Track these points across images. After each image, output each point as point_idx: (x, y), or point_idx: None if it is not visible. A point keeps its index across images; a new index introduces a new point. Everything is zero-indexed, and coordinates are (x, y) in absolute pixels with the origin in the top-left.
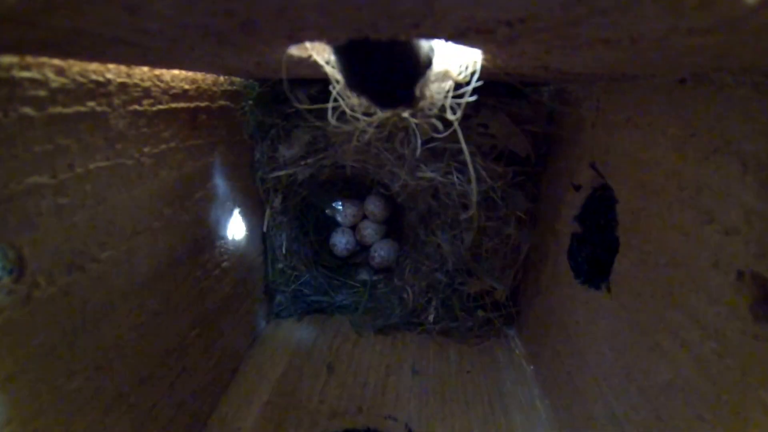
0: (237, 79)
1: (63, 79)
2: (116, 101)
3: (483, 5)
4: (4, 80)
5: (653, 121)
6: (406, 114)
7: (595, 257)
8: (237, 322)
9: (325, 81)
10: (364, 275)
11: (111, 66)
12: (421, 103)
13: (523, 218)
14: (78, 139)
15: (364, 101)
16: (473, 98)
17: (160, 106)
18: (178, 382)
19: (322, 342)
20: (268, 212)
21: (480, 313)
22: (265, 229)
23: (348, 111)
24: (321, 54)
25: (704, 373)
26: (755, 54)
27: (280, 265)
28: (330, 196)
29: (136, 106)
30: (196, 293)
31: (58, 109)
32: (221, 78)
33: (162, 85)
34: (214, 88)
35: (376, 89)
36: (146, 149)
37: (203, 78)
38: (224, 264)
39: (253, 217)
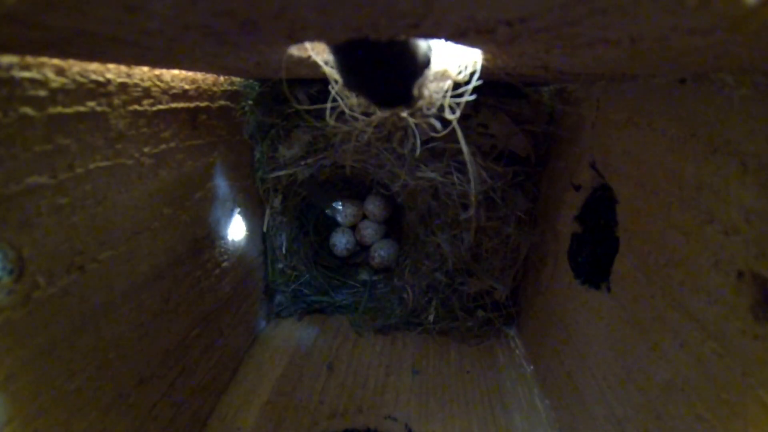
0: (237, 79)
1: (63, 79)
2: (116, 101)
3: (483, 5)
4: (4, 80)
5: (653, 121)
6: (404, 114)
7: (595, 257)
8: (237, 322)
9: (324, 81)
10: (364, 275)
11: (111, 66)
12: (420, 103)
13: (523, 218)
14: (78, 139)
15: (363, 101)
16: (472, 97)
17: (160, 106)
18: (178, 382)
19: (322, 342)
20: (268, 212)
21: (480, 313)
22: (265, 229)
23: (347, 111)
24: (320, 54)
25: (704, 373)
26: (755, 54)
27: (280, 265)
28: (330, 196)
29: (136, 106)
30: (196, 293)
31: (58, 109)
32: (221, 78)
33: (162, 85)
34: (214, 88)
35: (374, 89)
36: (146, 149)
37: (203, 78)
38: (224, 264)
39: (253, 217)
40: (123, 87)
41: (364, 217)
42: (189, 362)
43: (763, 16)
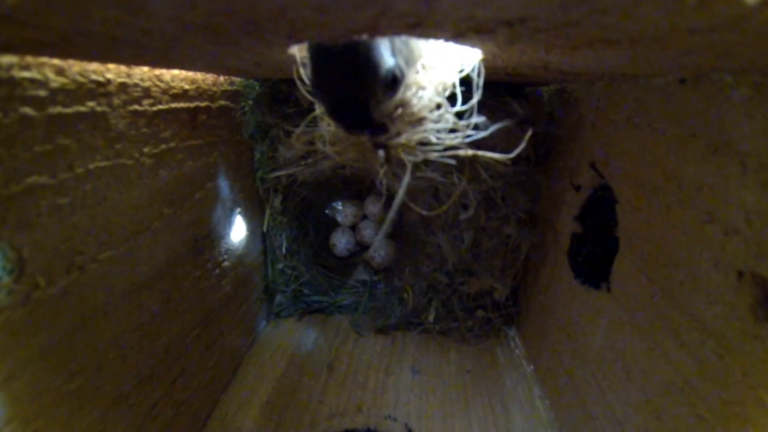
0: (237, 79)
1: (63, 79)
2: (116, 101)
3: (483, 5)
4: (4, 80)
5: (653, 121)
6: (380, 153)
7: (595, 257)
8: (237, 322)
9: None
10: (364, 275)
11: (111, 66)
12: (395, 140)
13: (523, 218)
14: (78, 139)
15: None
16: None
17: (160, 106)
18: (178, 382)
19: (322, 342)
20: (268, 212)
21: (480, 313)
22: (265, 229)
23: (318, 141)
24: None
25: (704, 373)
26: (755, 54)
27: (280, 265)
28: (330, 196)
29: (136, 106)
30: (196, 293)
31: (58, 109)
32: (221, 78)
33: (162, 85)
34: (214, 88)
35: (330, 95)
36: (146, 149)
37: (203, 78)
38: (224, 264)
39: (253, 217)
40: (123, 87)
41: (364, 217)
42: (189, 362)
43: (763, 16)
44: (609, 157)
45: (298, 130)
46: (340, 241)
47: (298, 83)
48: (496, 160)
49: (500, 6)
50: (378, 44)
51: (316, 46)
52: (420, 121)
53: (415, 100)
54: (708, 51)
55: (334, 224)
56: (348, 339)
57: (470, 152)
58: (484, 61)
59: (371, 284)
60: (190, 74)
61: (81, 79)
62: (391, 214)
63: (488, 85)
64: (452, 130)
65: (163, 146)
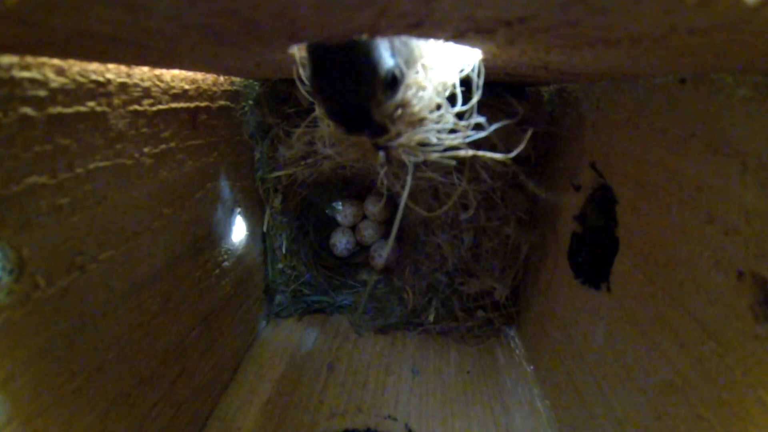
0: (237, 79)
1: (63, 79)
2: (116, 101)
3: (483, 5)
4: (4, 80)
5: (653, 121)
6: (381, 155)
7: (595, 257)
8: (237, 322)
9: None
10: (364, 275)
11: (111, 66)
12: (396, 140)
13: (523, 218)
14: (78, 139)
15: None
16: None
17: (160, 106)
18: (178, 382)
19: (322, 342)
20: (268, 212)
21: (480, 313)
22: (265, 229)
23: (318, 140)
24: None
25: (704, 373)
26: (755, 54)
27: (280, 265)
28: (330, 196)
29: (136, 106)
30: (196, 293)
31: (58, 109)
32: (221, 78)
33: (162, 85)
34: (214, 88)
35: (328, 94)
36: (146, 149)
37: (203, 78)
38: (224, 264)
39: (253, 217)
40: (123, 87)
41: (364, 217)
42: (189, 362)
43: (763, 16)
44: (609, 157)
45: (299, 131)
46: (340, 241)
47: (298, 84)
48: (496, 160)
49: (500, 6)
50: (377, 44)
51: (314, 46)
52: (420, 121)
53: (415, 101)
54: (708, 51)
55: (334, 224)
56: (348, 339)
57: (470, 152)
58: (484, 61)
59: (371, 284)
60: (190, 74)
61: (81, 79)
62: (398, 218)
63: (488, 85)
64: (452, 131)
65: (163, 146)
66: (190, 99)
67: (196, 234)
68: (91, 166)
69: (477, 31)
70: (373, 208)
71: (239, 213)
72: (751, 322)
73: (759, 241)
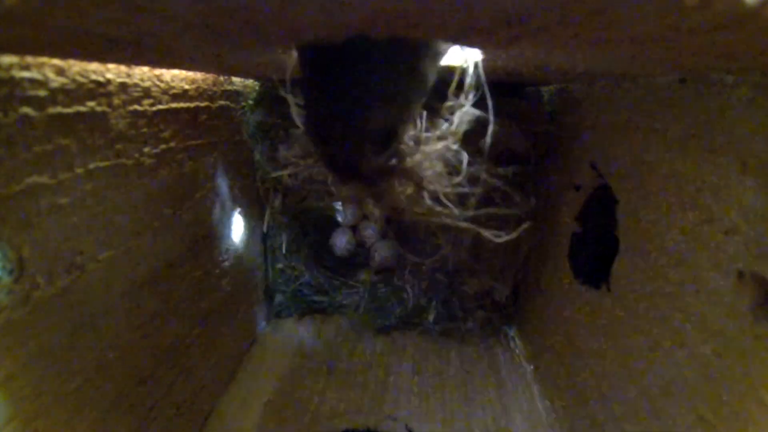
0: (237, 79)
1: (63, 79)
2: (116, 101)
3: (483, 5)
4: (4, 80)
5: (653, 121)
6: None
7: (595, 257)
8: (237, 322)
9: None
10: (363, 275)
11: (111, 66)
12: (391, 191)
13: (523, 218)
14: (78, 139)
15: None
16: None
17: (160, 106)
18: (178, 382)
19: (322, 342)
20: (268, 212)
21: (480, 313)
22: (265, 229)
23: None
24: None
25: (704, 373)
26: (755, 54)
27: (280, 265)
28: (330, 195)
29: (136, 106)
30: (196, 293)
31: (58, 109)
32: (221, 78)
33: (162, 85)
34: (214, 88)
35: (322, 150)
36: (146, 149)
37: (203, 78)
38: (224, 264)
39: (253, 217)
40: (123, 87)
41: (365, 217)
42: (189, 362)
43: (763, 16)
44: (609, 157)
45: (299, 131)
46: (341, 241)
47: (294, 115)
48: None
49: (500, 6)
50: (368, 99)
51: (313, 100)
52: (416, 169)
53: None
54: (708, 51)
55: (334, 224)
56: (348, 339)
57: (464, 225)
58: (484, 61)
59: (371, 284)
60: (190, 74)
61: (81, 79)
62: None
63: (488, 85)
64: (451, 172)
65: (163, 146)
66: (190, 99)
67: (196, 234)
68: (91, 166)
69: (477, 31)
70: (373, 208)
71: (239, 213)
72: (751, 322)
73: (759, 241)
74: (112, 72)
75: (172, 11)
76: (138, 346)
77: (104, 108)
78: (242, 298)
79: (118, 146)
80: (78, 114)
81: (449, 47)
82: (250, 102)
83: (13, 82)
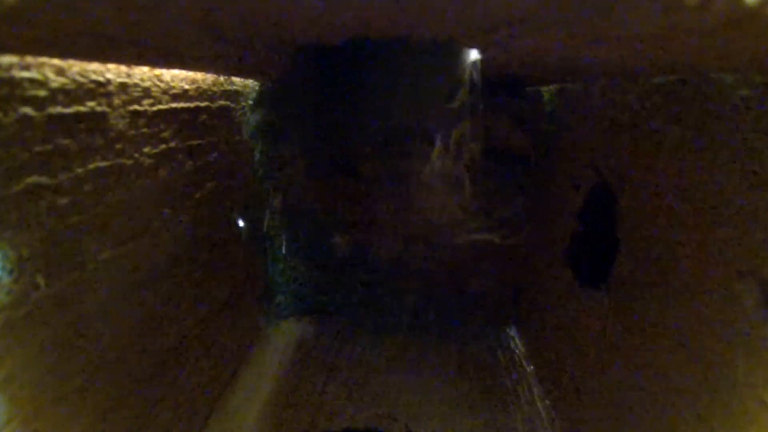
0: (237, 79)
1: (63, 79)
2: (116, 101)
3: (483, 5)
4: (4, 80)
5: (653, 121)
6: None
7: (595, 257)
8: (237, 322)
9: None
10: (363, 275)
11: (111, 66)
12: None
13: (523, 218)
14: (78, 139)
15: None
16: None
17: (160, 106)
18: (178, 382)
19: (322, 342)
20: (268, 212)
21: (480, 313)
22: (265, 229)
23: None
24: None
25: (704, 374)
26: (755, 54)
27: (280, 265)
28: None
29: (136, 106)
30: (196, 293)
31: (58, 109)
32: (221, 78)
33: (162, 85)
34: (214, 88)
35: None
36: (146, 149)
37: (203, 78)
38: (224, 264)
39: (253, 217)
40: (123, 87)
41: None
42: (189, 362)
43: (763, 16)
44: (609, 157)
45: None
46: (341, 241)
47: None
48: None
49: (500, 6)
50: (369, 99)
51: (313, 100)
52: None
53: None
54: (708, 51)
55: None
56: (348, 339)
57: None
58: (484, 61)
59: (372, 284)
60: (190, 74)
61: (81, 79)
62: None
63: (488, 85)
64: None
65: (163, 146)
66: (190, 99)
67: (196, 234)
68: (91, 166)
69: (477, 31)
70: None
71: (239, 213)
72: (752, 322)
73: (759, 241)
74: (112, 72)
75: (171, 12)
76: (138, 345)
77: (104, 108)
78: (242, 298)
79: (118, 146)
80: (78, 114)
81: (460, 49)
82: (250, 102)
83: (13, 82)
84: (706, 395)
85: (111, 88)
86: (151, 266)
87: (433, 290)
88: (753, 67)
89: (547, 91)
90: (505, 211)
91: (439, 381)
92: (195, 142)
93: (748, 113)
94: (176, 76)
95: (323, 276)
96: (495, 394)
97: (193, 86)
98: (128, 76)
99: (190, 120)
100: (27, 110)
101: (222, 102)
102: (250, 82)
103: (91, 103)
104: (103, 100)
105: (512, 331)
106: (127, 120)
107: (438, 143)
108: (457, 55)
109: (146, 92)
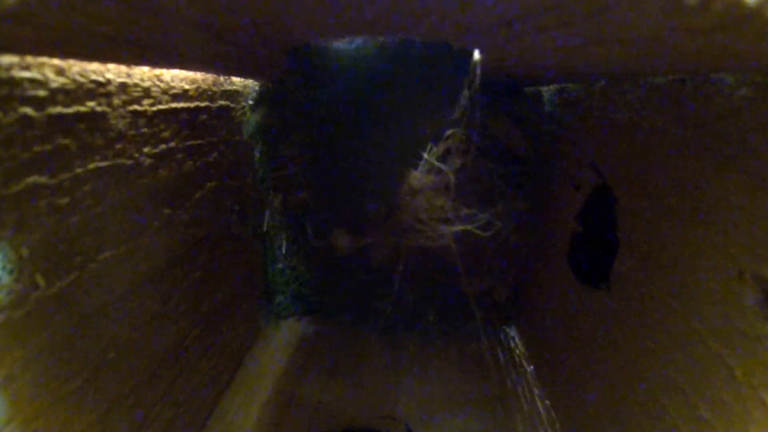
0: (237, 79)
1: (63, 79)
2: (116, 101)
3: (483, 5)
4: (4, 80)
5: (653, 121)
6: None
7: (595, 257)
8: (237, 322)
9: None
10: (363, 275)
11: (111, 66)
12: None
13: (523, 218)
14: (78, 139)
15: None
16: None
17: (160, 106)
18: (178, 382)
19: (322, 342)
20: (268, 212)
21: (480, 313)
22: (265, 229)
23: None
24: None
25: (704, 373)
26: (755, 54)
27: (280, 265)
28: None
29: (136, 106)
30: (196, 293)
31: (58, 109)
32: (221, 78)
33: (162, 85)
34: (214, 88)
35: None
36: (146, 149)
37: (203, 78)
38: (224, 264)
39: (253, 217)
40: (123, 87)
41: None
42: (189, 362)
43: (763, 16)
44: (609, 157)
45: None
46: (341, 242)
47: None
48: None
49: (500, 6)
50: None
51: (312, 100)
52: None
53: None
54: (708, 51)
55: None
56: (348, 339)
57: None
58: (484, 61)
59: (372, 285)
60: (190, 74)
61: (81, 79)
62: None
63: (488, 85)
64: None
65: (163, 146)
66: (190, 99)
67: (196, 234)
68: (91, 166)
69: (477, 31)
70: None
71: (239, 213)
72: (752, 322)
73: (759, 241)
74: (112, 72)
75: (171, 12)
76: (138, 346)
77: (104, 108)
78: (242, 298)
79: (118, 146)
80: (78, 114)
81: (466, 50)
82: (250, 102)
83: (13, 82)
84: (706, 395)
85: (111, 88)
86: (151, 266)
87: (433, 290)
88: (753, 67)
89: (547, 91)
90: (505, 210)
91: (440, 381)
92: (195, 142)
93: (748, 113)
94: (176, 76)
95: (323, 276)
96: (495, 394)
97: (193, 86)
98: (128, 76)
99: (190, 120)
100: (27, 110)
101: (222, 102)
102: (250, 82)
103: (91, 103)
104: (103, 100)
105: (512, 331)
106: (127, 120)
107: (432, 144)
108: (463, 57)
109: (146, 92)
